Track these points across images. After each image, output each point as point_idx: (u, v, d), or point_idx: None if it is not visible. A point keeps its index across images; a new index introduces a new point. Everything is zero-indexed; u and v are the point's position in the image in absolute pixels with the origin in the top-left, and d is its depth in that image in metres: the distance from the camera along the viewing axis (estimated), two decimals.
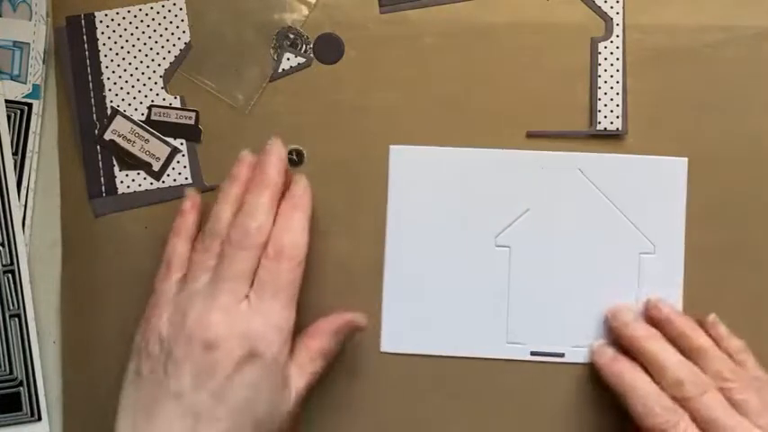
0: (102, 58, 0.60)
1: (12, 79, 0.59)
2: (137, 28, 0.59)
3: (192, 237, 0.54)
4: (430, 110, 0.58)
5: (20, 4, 0.60)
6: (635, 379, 0.52)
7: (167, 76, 0.59)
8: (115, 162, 0.59)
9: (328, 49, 0.59)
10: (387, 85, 0.59)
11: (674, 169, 0.57)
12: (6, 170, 0.59)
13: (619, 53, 0.58)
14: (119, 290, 0.59)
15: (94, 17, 0.60)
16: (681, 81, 0.58)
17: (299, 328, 0.59)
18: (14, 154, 0.59)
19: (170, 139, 0.59)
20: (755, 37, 0.58)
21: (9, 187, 0.59)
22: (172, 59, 0.59)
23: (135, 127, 0.59)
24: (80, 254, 0.60)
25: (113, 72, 0.59)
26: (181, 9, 0.59)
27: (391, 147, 0.58)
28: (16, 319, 0.58)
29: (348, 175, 0.59)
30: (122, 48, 0.59)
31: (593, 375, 0.57)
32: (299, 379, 0.51)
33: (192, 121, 0.59)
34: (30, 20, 0.60)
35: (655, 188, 0.57)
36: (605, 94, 0.57)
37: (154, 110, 0.60)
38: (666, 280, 0.57)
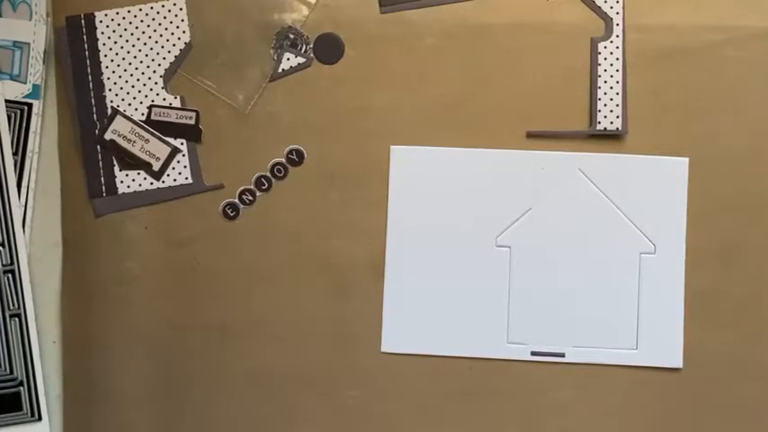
0: (102, 58, 0.60)
1: (12, 79, 0.59)
2: (137, 28, 0.59)
3: None
4: (430, 110, 0.58)
5: (20, 4, 0.60)
6: None
7: (167, 76, 0.59)
8: (115, 162, 0.59)
9: (328, 49, 0.59)
10: (387, 85, 0.59)
11: (675, 169, 0.57)
12: (6, 170, 0.59)
13: (619, 53, 0.58)
14: (119, 290, 0.59)
15: (94, 17, 0.60)
16: (681, 81, 0.58)
17: (297, 328, 0.59)
18: (14, 154, 0.59)
19: (170, 139, 0.59)
20: (755, 37, 0.58)
21: (9, 187, 0.59)
22: (172, 59, 0.59)
23: (135, 127, 0.59)
24: (80, 254, 0.60)
25: (113, 72, 0.59)
26: (181, 9, 0.59)
27: (392, 147, 0.58)
28: (16, 319, 0.58)
29: (348, 175, 0.59)
30: (122, 48, 0.59)
31: (594, 375, 0.57)
32: None
33: (192, 121, 0.59)
34: (30, 20, 0.60)
35: (655, 188, 0.57)
36: (605, 94, 0.57)
37: (154, 110, 0.60)
38: (666, 280, 0.57)
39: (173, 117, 0.59)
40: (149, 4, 0.59)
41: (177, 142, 0.59)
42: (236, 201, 0.59)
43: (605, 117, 0.57)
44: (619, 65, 0.58)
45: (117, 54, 0.59)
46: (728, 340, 0.57)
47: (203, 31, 0.60)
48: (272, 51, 0.59)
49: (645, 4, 0.58)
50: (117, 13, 0.59)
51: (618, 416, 0.57)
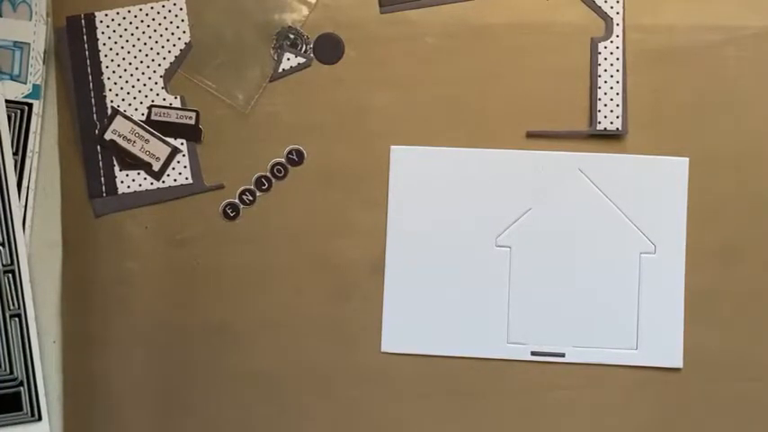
0: (102, 58, 0.60)
1: (12, 79, 0.59)
2: (137, 28, 0.59)
3: None
4: (430, 110, 0.58)
5: (20, 4, 0.60)
6: None
7: (167, 76, 0.59)
8: (115, 162, 0.59)
9: (328, 49, 0.59)
10: (387, 85, 0.59)
11: (675, 169, 0.57)
12: (6, 170, 0.59)
13: (619, 53, 0.58)
14: (119, 290, 0.59)
15: (94, 17, 0.60)
16: (681, 81, 0.58)
17: (297, 328, 0.59)
18: (15, 154, 0.59)
19: (170, 139, 0.59)
20: (755, 37, 0.58)
21: (9, 187, 0.59)
22: (172, 59, 0.59)
23: (135, 127, 0.59)
24: (80, 254, 0.60)
25: (113, 72, 0.59)
26: (181, 9, 0.59)
27: (392, 147, 0.58)
28: (16, 319, 0.58)
29: (348, 175, 0.59)
30: (122, 48, 0.59)
31: (594, 375, 0.57)
32: None
33: (192, 121, 0.59)
34: (30, 20, 0.60)
35: (655, 188, 0.57)
36: (605, 94, 0.57)
37: (154, 110, 0.60)
38: (667, 280, 0.57)
39: (173, 117, 0.59)
40: (149, 4, 0.59)
41: (177, 142, 0.59)
42: (236, 201, 0.59)
43: (605, 117, 0.57)
44: (619, 65, 0.58)
45: (117, 54, 0.59)
46: (728, 340, 0.57)
47: (203, 31, 0.60)
48: (272, 51, 0.59)
49: (645, 4, 0.58)
50: (117, 13, 0.59)
51: (618, 416, 0.57)
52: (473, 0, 0.58)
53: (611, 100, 0.57)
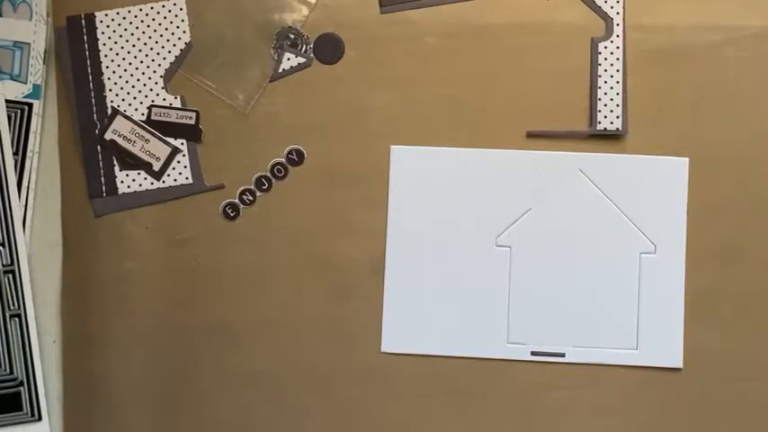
0: (102, 58, 0.60)
1: (12, 79, 0.59)
2: (137, 28, 0.59)
3: None
4: (430, 110, 0.58)
5: (20, 4, 0.60)
6: None
7: (167, 76, 0.59)
8: (116, 162, 0.59)
9: (328, 49, 0.59)
10: (387, 85, 0.59)
11: (675, 169, 0.57)
12: (7, 170, 0.59)
13: (619, 53, 0.58)
14: (119, 290, 0.59)
15: (95, 17, 0.60)
16: (681, 81, 0.58)
17: (297, 329, 0.59)
18: (15, 154, 0.59)
19: (170, 139, 0.59)
20: (755, 37, 0.58)
21: (9, 187, 0.59)
22: (172, 59, 0.59)
23: (135, 127, 0.59)
24: (80, 254, 0.60)
25: (113, 72, 0.59)
26: (181, 9, 0.59)
27: (392, 147, 0.58)
28: (16, 319, 0.58)
29: (348, 175, 0.59)
30: (122, 48, 0.59)
31: (594, 375, 0.57)
32: None
33: (192, 121, 0.59)
34: (30, 20, 0.60)
35: (655, 188, 0.57)
36: (605, 94, 0.57)
37: (154, 110, 0.60)
38: (667, 280, 0.57)
39: (173, 117, 0.59)
40: (149, 4, 0.59)
41: (177, 142, 0.59)
42: (237, 201, 0.59)
43: (605, 117, 0.57)
44: (619, 65, 0.58)
45: (117, 54, 0.59)
46: (728, 340, 0.57)
47: (203, 31, 0.60)
48: (272, 51, 0.59)
49: (645, 4, 0.58)
50: (117, 13, 0.59)
51: (618, 416, 0.57)
52: (473, 0, 0.58)
53: (611, 100, 0.57)
